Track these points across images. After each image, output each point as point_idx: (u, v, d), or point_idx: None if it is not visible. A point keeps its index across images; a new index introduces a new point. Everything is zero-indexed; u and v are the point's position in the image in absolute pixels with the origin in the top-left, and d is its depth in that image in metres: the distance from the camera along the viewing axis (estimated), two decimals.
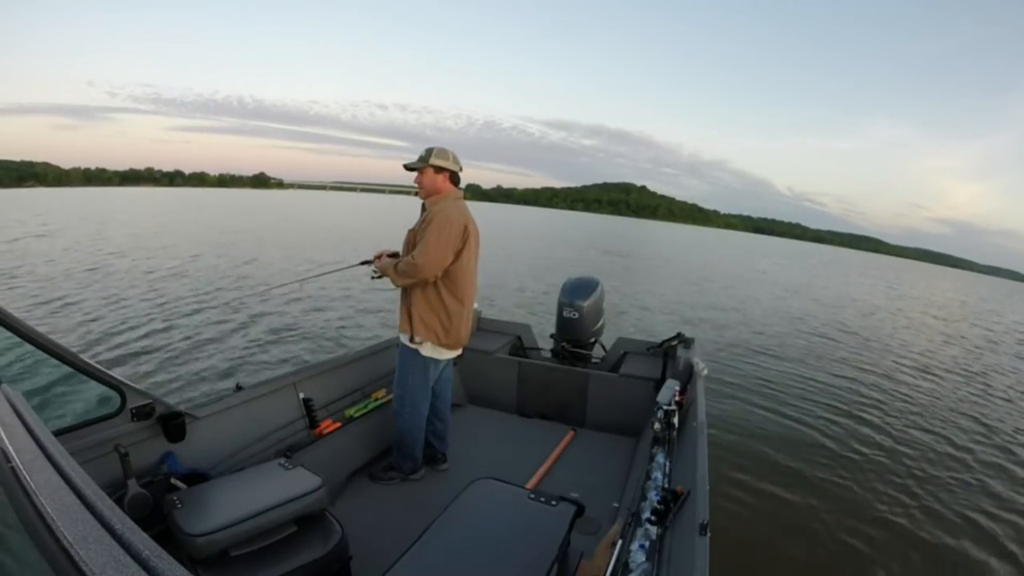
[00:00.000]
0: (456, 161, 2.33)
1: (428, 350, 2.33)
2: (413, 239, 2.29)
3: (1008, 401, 6.94)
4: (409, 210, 2.50)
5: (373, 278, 2.44)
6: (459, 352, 2.48)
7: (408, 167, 2.34)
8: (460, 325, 2.35)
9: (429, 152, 2.29)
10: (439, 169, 2.29)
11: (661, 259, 25.80)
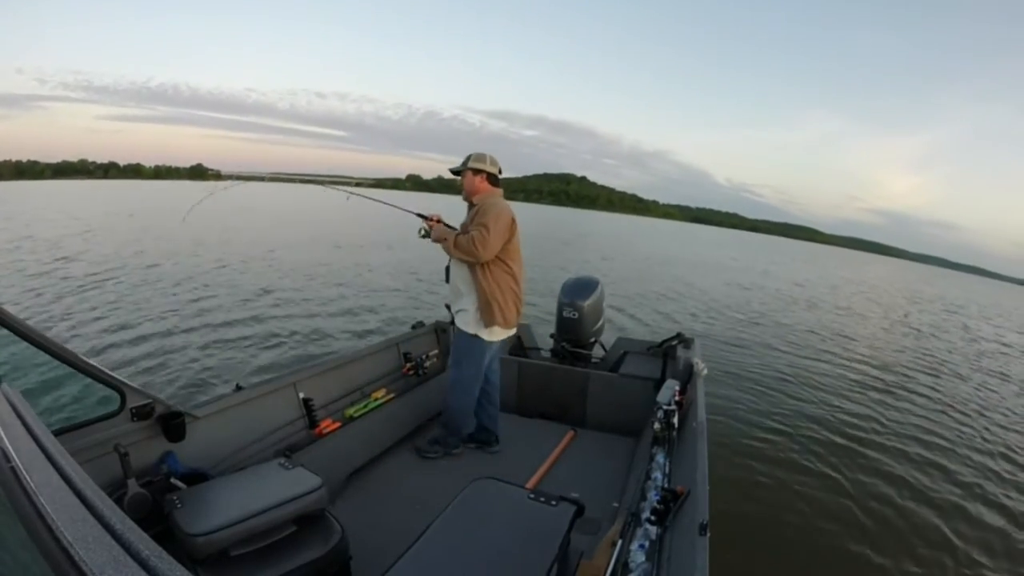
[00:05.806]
0: (494, 163, 2.59)
1: (488, 333, 2.55)
2: (464, 230, 2.52)
3: None
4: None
5: (421, 236, 2.61)
6: (512, 332, 2.67)
7: (453, 171, 2.63)
8: (518, 306, 2.62)
9: (468, 158, 2.60)
10: (476, 171, 2.57)
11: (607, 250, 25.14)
